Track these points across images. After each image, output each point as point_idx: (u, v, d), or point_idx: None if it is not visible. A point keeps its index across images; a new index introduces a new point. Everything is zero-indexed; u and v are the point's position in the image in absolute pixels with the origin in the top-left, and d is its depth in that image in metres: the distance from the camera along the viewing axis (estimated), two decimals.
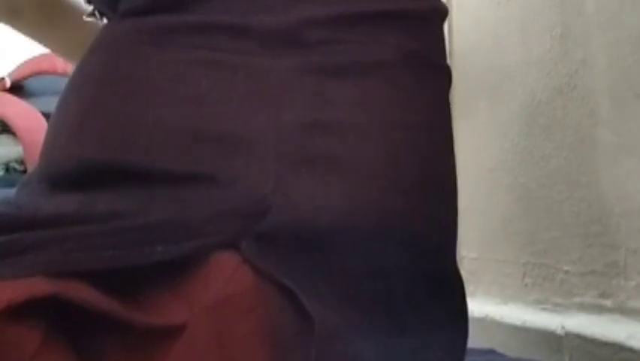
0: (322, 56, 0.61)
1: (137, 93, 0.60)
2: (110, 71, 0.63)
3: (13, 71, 1.52)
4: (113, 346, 0.52)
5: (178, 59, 0.60)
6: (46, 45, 0.94)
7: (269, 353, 0.53)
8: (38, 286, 0.50)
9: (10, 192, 0.70)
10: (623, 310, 0.94)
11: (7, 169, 1.41)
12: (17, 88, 1.50)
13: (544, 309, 1.11)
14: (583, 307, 1.02)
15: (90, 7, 0.83)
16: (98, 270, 0.52)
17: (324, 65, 0.60)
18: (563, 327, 1.03)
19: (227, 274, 0.55)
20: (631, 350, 0.89)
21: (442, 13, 0.71)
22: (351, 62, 0.61)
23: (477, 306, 1.23)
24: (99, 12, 0.81)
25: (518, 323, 1.13)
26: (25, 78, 1.51)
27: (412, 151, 0.62)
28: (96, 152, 0.59)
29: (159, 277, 0.54)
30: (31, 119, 1.40)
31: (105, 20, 0.79)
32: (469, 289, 1.29)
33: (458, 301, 0.67)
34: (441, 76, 0.69)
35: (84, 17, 0.84)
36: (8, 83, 1.48)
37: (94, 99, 0.62)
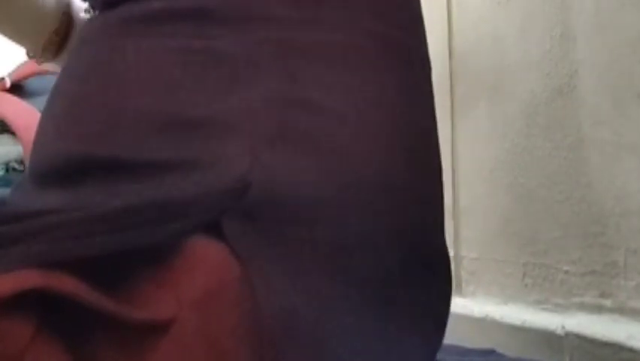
0: (286, 33, 0.61)
1: (117, 85, 0.61)
2: (89, 65, 0.64)
3: (13, 71, 1.52)
4: (103, 339, 0.52)
5: (151, 48, 0.61)
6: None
7: (255, 346, 0.54)
8: (27, 278, 0.50)
9: (8, 193, 0.70)
10: (623, 310, 0.94)
11: (7, 169, 1.41)
12: (17, 88, 1.50)
13: (544, 309, 1.11)
14: (583, 307, 1.02)
15: (85, 4, 0.84)
16: (86, 257, 0.52)
17: (289, 44, 0.61)
18: (563, 327, 1.03)
19: (213, 266, 0.55)
20: (631, 350, 0.89)
21: None
22: (322, 42, 0.62)
23: (477, 306, 1.23)
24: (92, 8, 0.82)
25: (518, 323, 1.13)
26: (25, 78, 1.51)
27: (392, 129, 0.63)
28: (81, 146, 0.60)
29: (146, 271, 0.54)
30: (31, 119, 1.40)
31: None
32: (469, 289, 1.29)
33: (444, 276, 0.67)
34: (415, 58, 0.69)
35: (81, 14, 0.85)
36: (8, 83, 1.48)
37: (76, 95, 0.63)
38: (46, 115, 0.66)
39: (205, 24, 0.61)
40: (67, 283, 0.51)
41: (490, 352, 1.12)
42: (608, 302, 0.97)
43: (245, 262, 0.55)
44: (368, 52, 0.64)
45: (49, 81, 1.49)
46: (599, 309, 0.98)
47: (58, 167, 0.61)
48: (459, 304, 1.24)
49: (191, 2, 0.62)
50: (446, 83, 1.35)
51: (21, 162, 1.41)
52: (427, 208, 0.66)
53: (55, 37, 0.84)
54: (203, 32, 0.61)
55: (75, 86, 0.64)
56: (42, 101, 1.46)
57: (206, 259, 0.55)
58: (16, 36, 0.86)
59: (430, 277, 0.65)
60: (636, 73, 0.93)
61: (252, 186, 0.56)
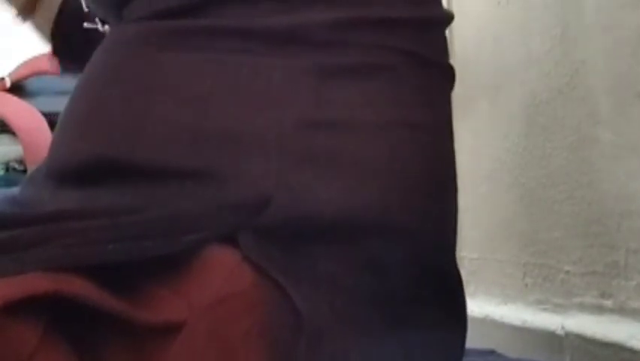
0: (327, 57, 0.61)
1: (143, 92, 0.61)
2: (118, 71, 0.64)
3: (13, 71, 1.52)
4: (112, 342, 0.52)
5: (184, 60, 0.61)
6: None
7: (267, 352, 0.54)
8: (37, 282, 0.50)
9: (11, 191, 0.70)
10: (623, 311, 0.94)
11: (7, 169, 1.41)
12: (17, 88, 1.50)
13: (544, 309, 1.11)
14: (583, 308, 1.02)
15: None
16: (98, 264, 0.52)
17: (328, 66, 0.61)
18: (563, 327, 1.03)
19: (226, 272, 0.55)
20: (631, 350, 0.89)
21: (447, 20, 0.72)
22: (356, 64, 0.62)
23: (477, 306, 1.23)
24: (100, 20, 0.81)
25: (518, 323, 1.13)
26: (25, 78, 1.51)
27: (416, 150, 0.63)
28: (102, 148, 0.60)
29: (158, 274, 0.54)
30: (31, 119, 1.40)
31: (106, 26, 0.79)
32: (469, 289, 1.29)
33: (458, 300, 0.67)
34: (444, 77, 0.70)
35: (84, 24, 0.85)
36: (8, 83, 1.48)
37: (101, 98, 0.63)
38: (68, 114, 0.66)
39: (246, 41, 0.61)
40: (77, 287, 0.51)
41: (490, 352, 1.12)
42: (608, 302, 0.97)
43: (259, 272, 0.55)
44: (398, 71, 0.64)
45: (49, 81, 1.49)
46: (599, 309, 0.98)
47: (76, 166, 0.61)
48: None
49: (233, 21, 0.62)
50: None
51: (20, 161, 1.41)
52: (443, 233, 0.66)
53: None
54: (243, 48, 0.61)
55: (100, 89, 0.64)
56: (42, 101, 1.47)
57: (220, 266, 0.55)
58: None
59: (442, 299, 0.65)
60: (636, 73, 0.93)
61: (274, 206, 0.56)
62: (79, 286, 0.51)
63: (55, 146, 0.65)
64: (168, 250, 0.54)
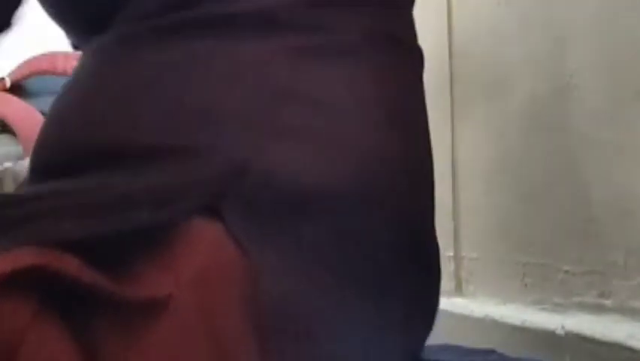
0: (301, 37, 0.64)
1: (122, 87, 0.63)
2: (97, 71, 0.66)
3: (13, 71, 1.52)
4: (101, 319, 0.53)
5: (161, 51, 0.63)
6: None
7: (252, 321, 0.55)
8: (25, 258, 0.51)
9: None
10: (623, 310, 0.94)
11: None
12: (17, 88, 1.50)
13: (544, 309, 1.11)
14: (583, 307, 1.02)
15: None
16: (85, 239, 0.53)
17: (301, 46, 0.63)
18: (562, 327, 1.03)
19: (210, 245, 0.56)
20: (631, 349, 0.89)
21: None
22: (330, 43, 0.64)
23: (477, 306, 1.23)
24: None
25: (518, 323, 1.13)
26: (25, 78, 1.52)
27: (389, 125, 0.65)
28: (82, 133, 0.62)
29: (143, 250, 0.55)
30: (31, 119, 1.41)
31: None
32: (469, 289, 1.29)
33: (434, 269, 0.69)
34: (414, 57, 0.73)
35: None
36: (8, 83, 1.48)
37: (80, 94, 0.66)
38: (51, 112, 0.68)
39: (222, 27, 0.63)
40: (67, 262, 0.51)
41: (490, 352, 1.12)
42: (608, 302, 0.97)
43: (242, 244, 0.56)
44: (372, 50, 0.66)
45: (49, 81, 1.49)
46: (599, 309, 0.99)
47: (59, 153, 0.63)
48: (459, 305, 1.24)
49: (209, 10, 0.64)
50: (446, 82, 1.35)
51: None
52: (420, 204, 0.68)
53: None
54: (219, 35, 0.63)
55: (81, 86, 0.66)
56: (42, 101, 1.47)
57: (203, 240, 0.56)
58: None
59: (423, 269, 0.67)
60: (636, 73, 0.93)
61: (252, 175, 0.57)
62: (69, 262, 0.52)
63: (38, 142, 0.67)
64: (154, 221, 0.55)
